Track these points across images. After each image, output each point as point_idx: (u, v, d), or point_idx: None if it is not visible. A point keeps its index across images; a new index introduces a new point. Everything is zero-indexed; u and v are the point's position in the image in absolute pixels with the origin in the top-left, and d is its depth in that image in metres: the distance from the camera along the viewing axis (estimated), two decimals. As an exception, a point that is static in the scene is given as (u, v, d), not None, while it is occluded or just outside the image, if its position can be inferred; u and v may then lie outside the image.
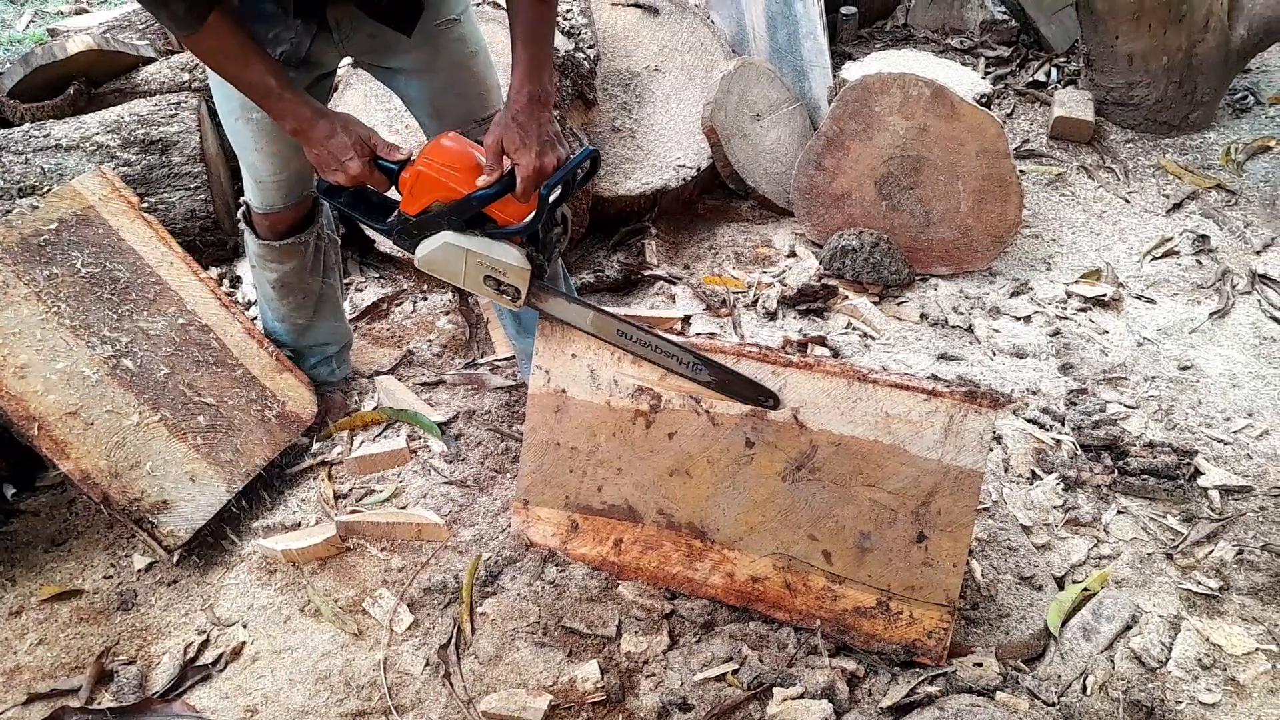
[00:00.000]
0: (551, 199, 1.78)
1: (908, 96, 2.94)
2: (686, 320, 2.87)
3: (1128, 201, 3.43)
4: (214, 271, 3.03)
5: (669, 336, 1.89)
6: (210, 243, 2.99)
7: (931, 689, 1.79)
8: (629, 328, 1.89)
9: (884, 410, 1.82)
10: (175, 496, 2.11)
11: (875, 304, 2.89)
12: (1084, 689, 1.83)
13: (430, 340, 2.81)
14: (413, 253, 1.86)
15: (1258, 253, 3.13)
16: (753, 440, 1.91)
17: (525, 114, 1.75)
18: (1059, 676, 1.84)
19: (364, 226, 1.93)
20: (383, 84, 2.18)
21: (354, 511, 2.23)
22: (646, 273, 3.07)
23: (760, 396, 1.86)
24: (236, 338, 2.35)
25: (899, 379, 1.82)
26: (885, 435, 1.82)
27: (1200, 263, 3.09)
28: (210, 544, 2.17)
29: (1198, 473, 2.27)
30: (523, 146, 1.73)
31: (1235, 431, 2.41)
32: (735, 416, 1.91)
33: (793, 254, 3.14)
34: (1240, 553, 2.09)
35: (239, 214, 2.25)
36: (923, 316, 2.84)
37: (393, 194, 1.90)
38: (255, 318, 2.58)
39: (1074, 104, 3.70)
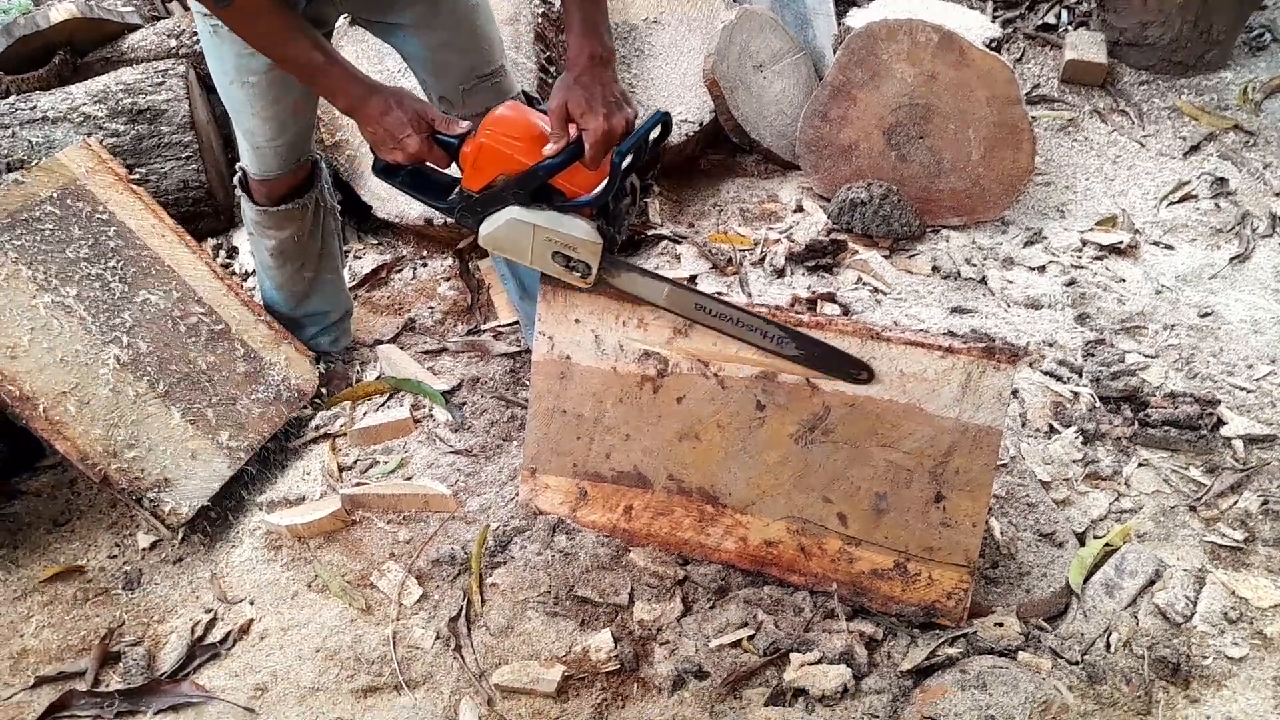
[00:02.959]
0: (623, 166, 1.67)
1: (915, 43, 2.85)
2: (693, 280, 2.80)
3: (1143, 145, 3.34)
4: (210, 242, 2.97)
5: (750, 309, 1.80)
6: (204, 213, 2.93)
7: (952, 651, 1.75)
8: (708, 301, 1.80)
9: (899, 368, 1.76)
10: (176, 474, 2.08)
11: (886, 258, 2.82)
12: (1108, 646, 1.79)
13: (432, 307, 2.76)
14: (476, 231, 1.77)
15: (1277, 194, 3.04)
16: (763, 403, 1.86)
17: (588, 74, 1.65)
18: (1082, 634, 1.80)
19: (426, 206, 1.83)
20: (381, 40, 2.10)
21: (359, 484, 2.20)
22: (650, 232, 3.00)
23: (852, 370, 1.76)
24: (234, 310, 2.30)
25: (914, 336, 1.76)
26: (900, 394, 1.77)
27: (1219, 206, 3.00)
28: (215, 520, 2.14)
29: (1220, 422, 2.22)
30: (589, 110, 1.62)
31: (1258, 379, 2.35)
32: (745, 379, 1.86)
33: (800, 209, 3.06)
34: (1265, 503, 2.04)
35: (235, 179, 2.19)
36: (934, 269, 2.78)
37: (452, 170, 1.80)
38: (253, 288, 2.53)
39: (1086, 46, 3.59)
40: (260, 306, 2.37)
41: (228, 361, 2.24)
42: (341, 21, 2.73)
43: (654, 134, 1.72)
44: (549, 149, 1.65)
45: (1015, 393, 2.30)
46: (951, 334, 1.79)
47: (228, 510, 2.16)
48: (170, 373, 2.15)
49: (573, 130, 1.65)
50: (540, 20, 2.79)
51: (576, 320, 1.95)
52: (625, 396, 1.95)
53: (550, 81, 2.76)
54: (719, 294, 1.84)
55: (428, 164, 1.77)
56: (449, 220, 1.79)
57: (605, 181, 1.67)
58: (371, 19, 2.02)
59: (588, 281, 1.77)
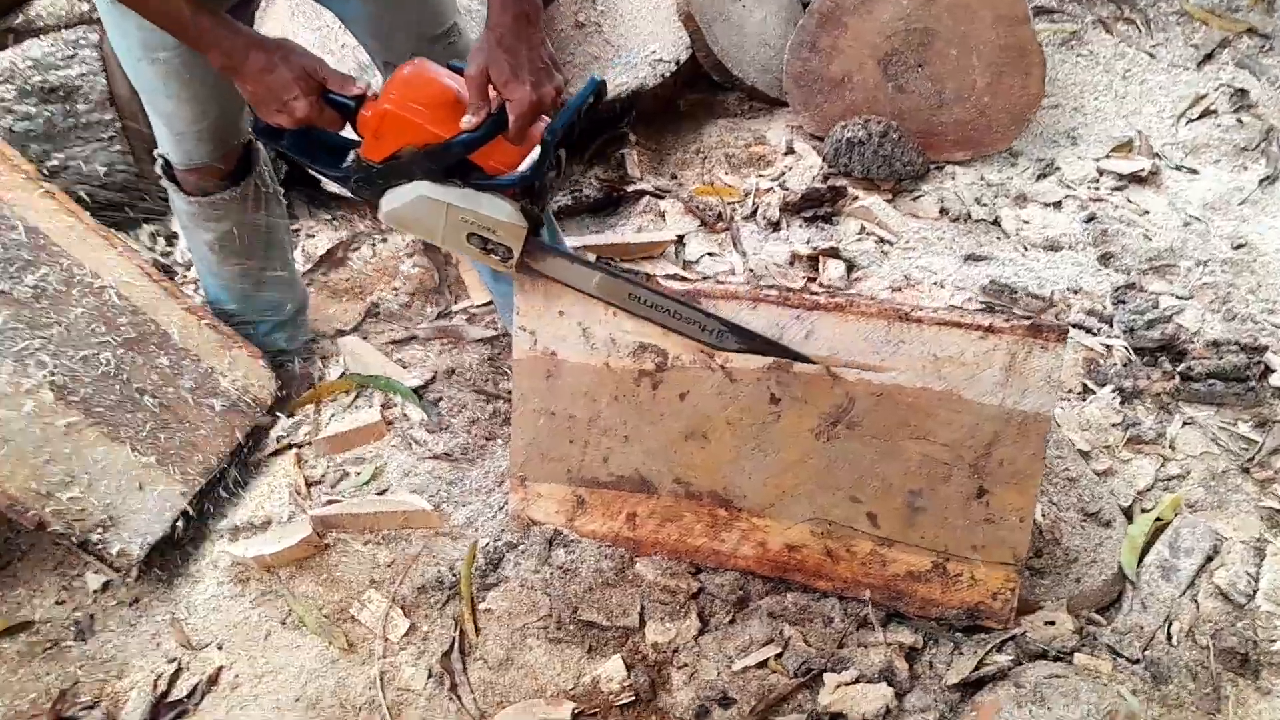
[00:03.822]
0: (554, 143, 1.47)
1: (909, -41, 2.58)
2: (680, 241, 2.57)
3: (1153, 56, 3.09)
4: (146, 230, 2.69)
5: (689, 300, 1.61)
6: (137, 198, 2.64)
7: (1001, 658, 1.58)
8: (643, 290, 1.60)
9: (932, 353, 1.56)
10: (123, 510, 1.85)
11: (889, 202, 2.59)
12: (1169, 638, 1.64)
13: (396, 289, 2.51)
14: (376, 203, 1.55)
15: (1302, 104, 2.82)
16: (778, 396, 1.66)
17: (512, 35, 1.42)
18: (1141, 627, 1.64)
19: (316, 173, 1.60)
20: (316, 1, 1.83)
21: (330, 501, 1.98)
22: (630, 188, 2.75)
23: (803, 360, 1.61)
24: (173, 316, 2.05)
25: (948, 315, 1.55)
26: (935, 380, 1.57)
27: (1241, 121, 2.78)
28: (172, 554, 1.93)
29: (1268, 370, 2.04)
30: (513, 77, 1.40)
31: (1302, 317, 2.17)
32: (756, 370, 1.65)
33: (791, 151, 2.81)
34: (1323, 460, 1.88)
35: (157, 168, 1.92)
36: (943, 211, 2.55)
37: (348, 132, 1.57)
38: (197, 284, 2.27)
39: (1085, -52, 3.31)
40: (204, 307, 2.12)
41: (171, 375, 2.00)
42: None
43: (588, 104, 1.52)
44: (467, 121, 1.43)
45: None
46: (990, 308, 1.59)
47: (186, 542, 1.95)
48: (106, 395, 1.90)
49: (494, 99, 1.43)
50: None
51: (560, 312, 1.73)
52: (621, 394, 1.74)
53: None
54: (652, 278, 1.68)
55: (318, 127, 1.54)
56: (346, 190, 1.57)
57: (534, 160, 1.47)
58: None
59: (509, 266, 1.58)
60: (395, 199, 1.53)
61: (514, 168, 1.50)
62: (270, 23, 2.69)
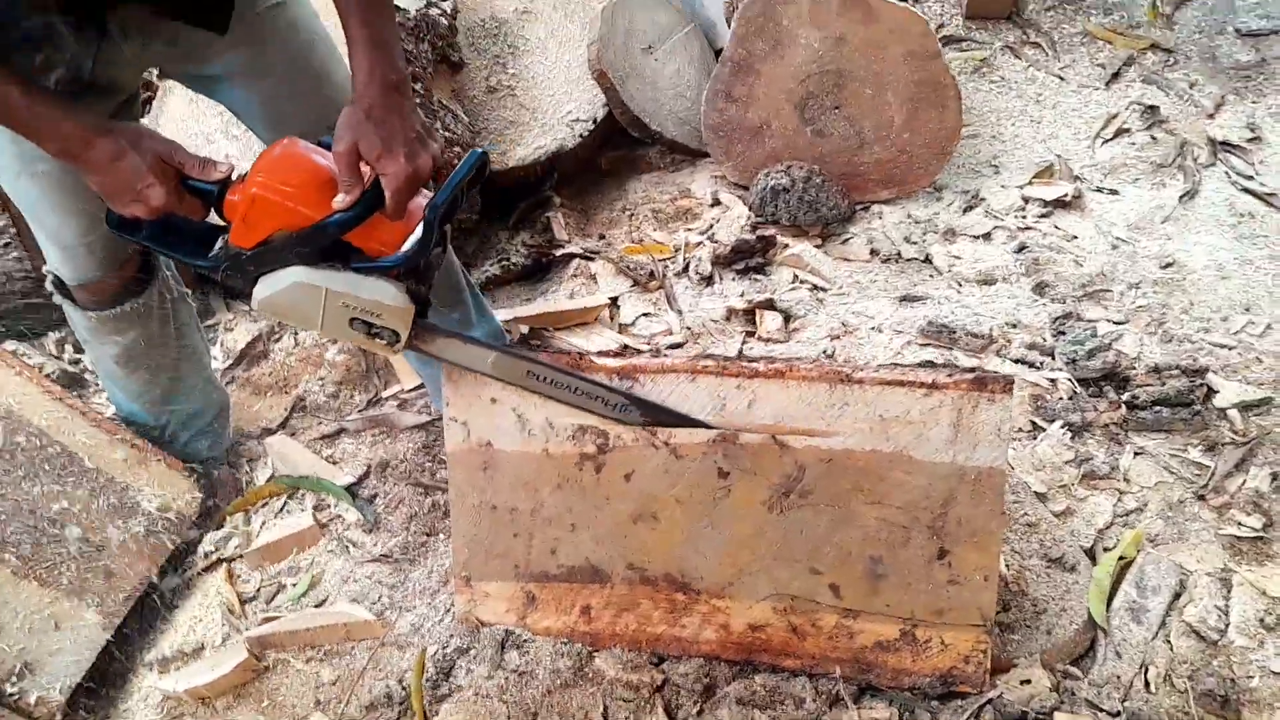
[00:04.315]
0: (438, 220, 1.38)
1: (816, 3, 2.57)
2: (614, 302, 2.51)
3: (1062, 79, 3.13)
4: (53, 339, 2.56)
5: (587, 375, 1.55)
6: (36, 305, 2.51)
7: (981, 725, 1.52)
8: (540, 368, 1.54)
9: (878, 414, 1.51)
10: (39, 653, 1.72)
11: (818, 247, 2.56)
12: (1147, 685, 1.59)
13: (322, 379, 2.40)
14: (248, 293, 1.45)
15: (1210, 116, 2.87)
16: (726, 469, 1.59)
17: (381, 106, 1.35)
18: (1117, 677, 1.60)
19: (181, 263, 1.50)
20: (205, 96, 1.74)
21: (266, 619, 1.87)
22: (558, 252, 2.69)
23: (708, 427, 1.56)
24: (80, 435, 1.92)
25: (889, 374, 1.50)
26: (884, 442, 1.52)
27: (1154, 138, 2.82)
28: (98, 694, 1.79)
29: (1211, 392, 2.03)
30: (385, 150, 1.32)
31: (1236, 333, 2.18)
32: (700, 445, 1.58)
33: (717, 202, 2.78)
34: (1275, 478, 1.86)
35: (49, 284, 1.80)
36: (873, 253, 2.53)
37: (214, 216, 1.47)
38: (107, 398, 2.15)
39: (986, -23, 3.36)
40: (116, 422, 2.00)
41: (84, 499, 1.87)
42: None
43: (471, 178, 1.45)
44: (339, 201, 1.35)
45: (989, 390, 2.07)
46: (931, 364, 1.55)
47: (112, 679, 1.82)
48: (12, 529, 1.77)
49: (367, 174, 1.35)
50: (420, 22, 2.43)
51: (492, 399, 1.65)
52: (564, 481, 1.66)
53: (417, 102, 2.40)
54: (553, 354, 1.63)
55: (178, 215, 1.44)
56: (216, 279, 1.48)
57: (418, 240, 1.39)
58: (186, 73, 1.65)
59: (395, 350, 1.49)
60: (269, 287, 1.42)
61: (396, 247, 1.41)
62: (168, 112, 2.58)
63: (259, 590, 1.94)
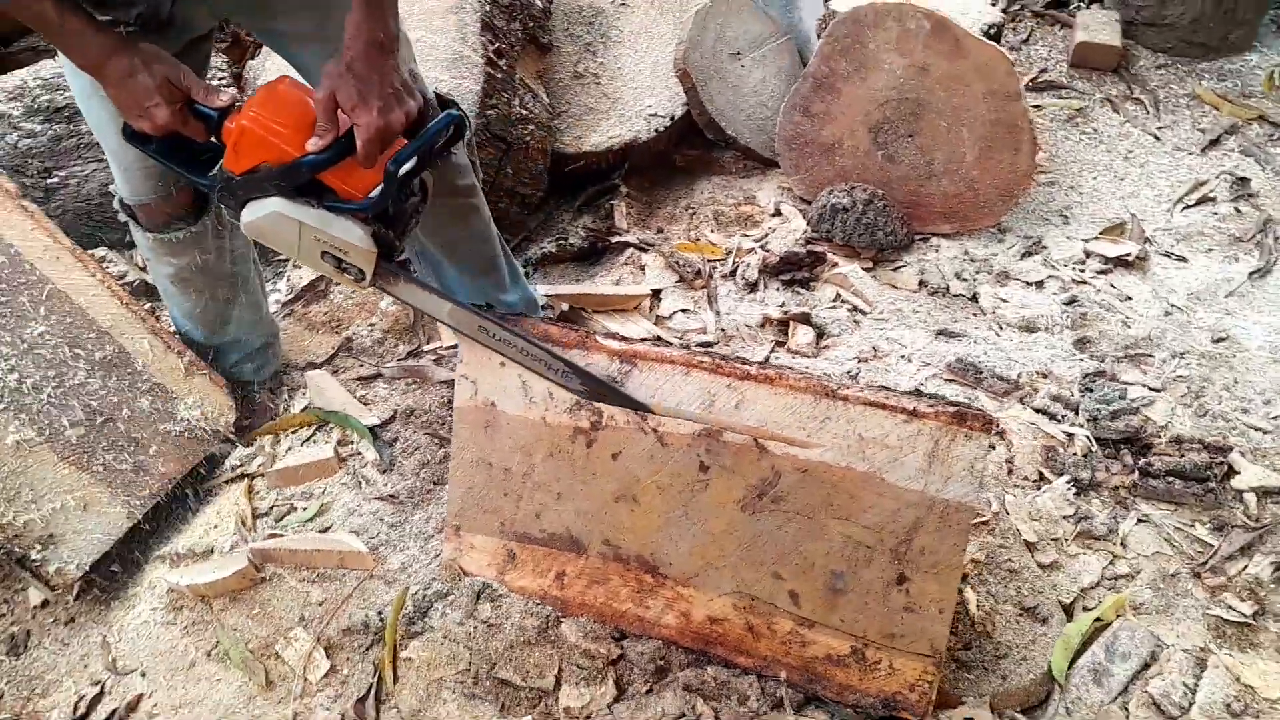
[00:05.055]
0: (402, 173, 1.49)
1: (905, 30, 2.58)
2: (656, 295, 2.57)
3: (1158, 139, 3.05)
4: (137, 252, 2.75)
5: (536, 339, 1.64)
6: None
7: (914, 754, 1.54)
8: (491, 325, 1.62)
9: (857, 432, 1.54)
10: (64, 529, 1.88)
11: (868, 270, 2.57)
12: (1094, 747, 1.58)
13: (372, 325, 2.53)
14: (238, 215, 1.58)
15: (1305, 197, 2.76)
16: (707, 464, 1.64)
17: (363, 62, 1.45)
18: (1064, 733, 1.59)
19: (183, 179, 1.63)
20: (273, 50, 1.86)
21: (272, 535, 1.99)
22: (615, 239, 2.76)
23: (639, 408, 1.65)
24: (138, 340, 2.09)
25: (874, 395, 1.53)
26: (859, 461, 1.54)
27: (1239, 211, 2.73)
28: (113, 575, 1.95)
29: (1232, 472, 1.98)
30: (361, 103, 1.43)
31: (1275, 417, 2.11)
32: (687, 437, 1.64)
33: (778, 213, 2.81)
34: (1278, 569, 1.81)
35: (115, 202, 1.96)
36: (921, 284, 2.53)
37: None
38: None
39: (1098, 26, 3.30)
40: (171, 334, 2.16)
41: (129, 398, 2.03)
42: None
43: (445, 138, 1.57)
44: (311, 144, 1.46)
45: (1002, 434, 2.06)
46: (919, 393, 1.56)
47: (128, 564, 1.97)
48: (61, 413, 1.94)
49: (345, 122, 1.45)
50: (489, 8, 2.53)
51: (502, 363, 1.73)
52: (556, 451, 1.74)
53: (499, 77, 2.51)
54: (506, 318, 1.69)
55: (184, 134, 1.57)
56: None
57: (380, 188, 1.49)
58: (254, 26, 1.78)
59: (362, 286, 1.60)
60: (254, 212, 1.54)
61: (368, 193, 1.51)
62: (268, 74, 2.74)
63: (272, 508, 2.06)
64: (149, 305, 2.39)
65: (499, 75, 2.51)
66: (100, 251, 2.67)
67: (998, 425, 2.06)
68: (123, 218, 1.95)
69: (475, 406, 1.77)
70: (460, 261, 2.14)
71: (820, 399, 1.55)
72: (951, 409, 1.48)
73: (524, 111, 2.58)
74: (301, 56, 1.78)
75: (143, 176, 1.82)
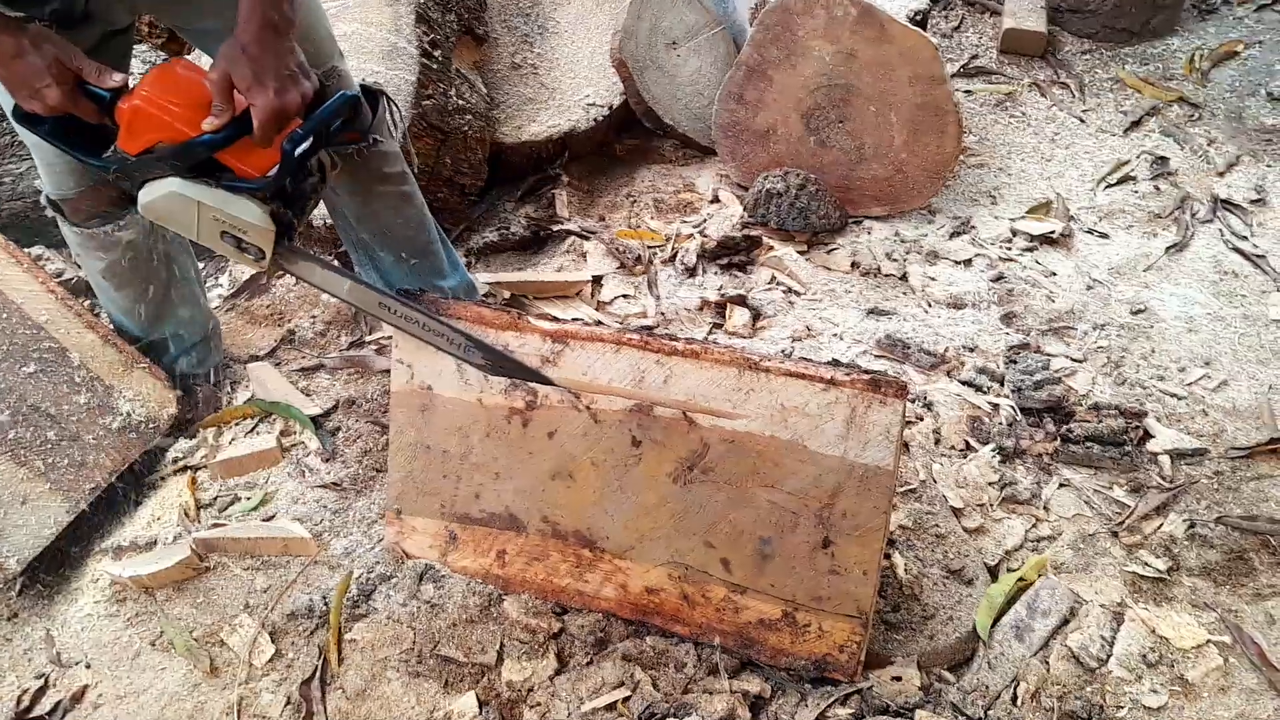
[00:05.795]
0: (298, 153, 1.51)
1: (832, 17, 2.64)
2: (598, 281, 2.61)
3: (1083, 121, 3.15)
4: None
5: (436, 314, 1.67)
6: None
7: (843, 711, 1.60)
8: (391, 301, 1.66)
9: (779, 402, 1.59)
10: (4, 524, 1.89)
11: (803, 253, 2.64)
12: (1014, 699, 1.64)
13: (314, 316, 2.55)
14: (135, 196, 1.59)
15: (1220, 174, 2.87)
16: (639, 439, 1.68)
17: (258, 43, 1.46)
18: (986, 687, 1.65)
19: (77, 160, 1.64)
20: (199, 49, 1.87)
21: (215, 525, 2.01)
22: (557, 227, 2.80)
23: (542, 381, 1.70)
24: (74, 334, 2.09)
25: (794, 366, 1.58)
26: (782, 430, 1.60)
27: (1158, 189, 2.83)
28: (55, 570, 1.95)
29: (1147, 436, 2.06)
30: (256, 84, 1.45)
31: (1190, 384, 2.20)
32: (619, 412, 1.68)
33: (716, 199, 2.87)
34: (1192, 526, 1.90)
35: (42, 197, 1.95)
36: (854, 265, 2.59)
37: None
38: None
39: (1025, 13, 3.39)
40: (109, 329, 2.16)
41: (68, 393, 2.04)
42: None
43: (342, 119, 1.60)
44: (207, 124, 1.47)
45: (930, 405, 2.13)
46: (836, 363, 1.61)
47: (71, 558, 1.97)
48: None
49: (240, 103, 1.47)
50: (424, 0, 2.55)
51: (422, 341, 1.76)
52: (493, 431, 1.77)
53: (435, 68, 2.53)
54: (408, 295, 1.72)
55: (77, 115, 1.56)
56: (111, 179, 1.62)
57: (277, 168, 1.51)
58: (176, 24, 1.79)
59: (262, 266, 1.61)
60: (150, 193, 1.55)
61: (265, 172, 1.53)
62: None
63: (215, 499, 2.08)
64: (88, 302, 2.39)
65: (434, 66, 2.53)
66: (36, 250, 2.66)
67: (924, 398, 2.13)
68: (50, 213, 1.95)
69: (412, 390, 1.80)
70: (395, 249, 2.16)
71: (744, 371, 1.60)
72: (866, 377, 1.53)
73: (461, 102, 2.61)
74: (215, 53, 1.79)
75: (66, 170, 1.82)
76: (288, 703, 1.71)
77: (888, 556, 1.81)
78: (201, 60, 2.81)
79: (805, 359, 1.60)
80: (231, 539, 1.95)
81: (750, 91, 2.78)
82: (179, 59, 1.58)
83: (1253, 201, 2.74)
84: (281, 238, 1.59)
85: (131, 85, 1.54)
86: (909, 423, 2.06)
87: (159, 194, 1.54)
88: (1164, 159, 2.92)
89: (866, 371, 1.54)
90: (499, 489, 1.79)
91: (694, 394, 1.64)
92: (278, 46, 1.47)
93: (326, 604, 1.83)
